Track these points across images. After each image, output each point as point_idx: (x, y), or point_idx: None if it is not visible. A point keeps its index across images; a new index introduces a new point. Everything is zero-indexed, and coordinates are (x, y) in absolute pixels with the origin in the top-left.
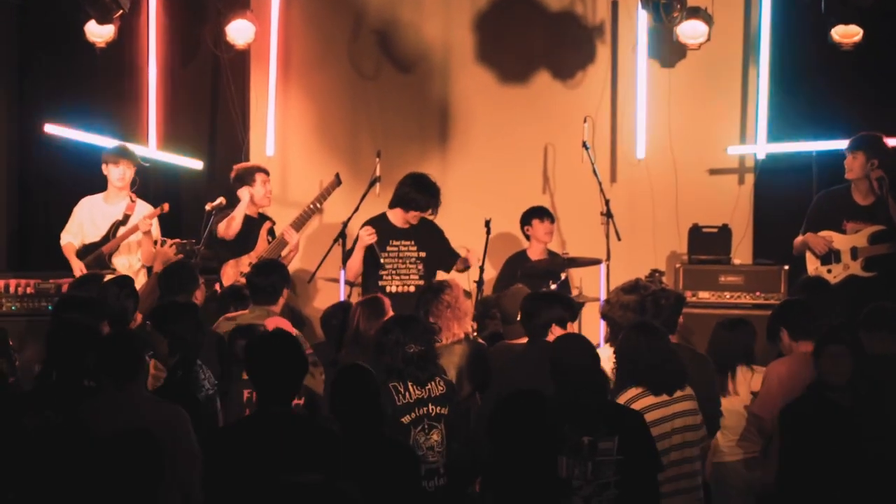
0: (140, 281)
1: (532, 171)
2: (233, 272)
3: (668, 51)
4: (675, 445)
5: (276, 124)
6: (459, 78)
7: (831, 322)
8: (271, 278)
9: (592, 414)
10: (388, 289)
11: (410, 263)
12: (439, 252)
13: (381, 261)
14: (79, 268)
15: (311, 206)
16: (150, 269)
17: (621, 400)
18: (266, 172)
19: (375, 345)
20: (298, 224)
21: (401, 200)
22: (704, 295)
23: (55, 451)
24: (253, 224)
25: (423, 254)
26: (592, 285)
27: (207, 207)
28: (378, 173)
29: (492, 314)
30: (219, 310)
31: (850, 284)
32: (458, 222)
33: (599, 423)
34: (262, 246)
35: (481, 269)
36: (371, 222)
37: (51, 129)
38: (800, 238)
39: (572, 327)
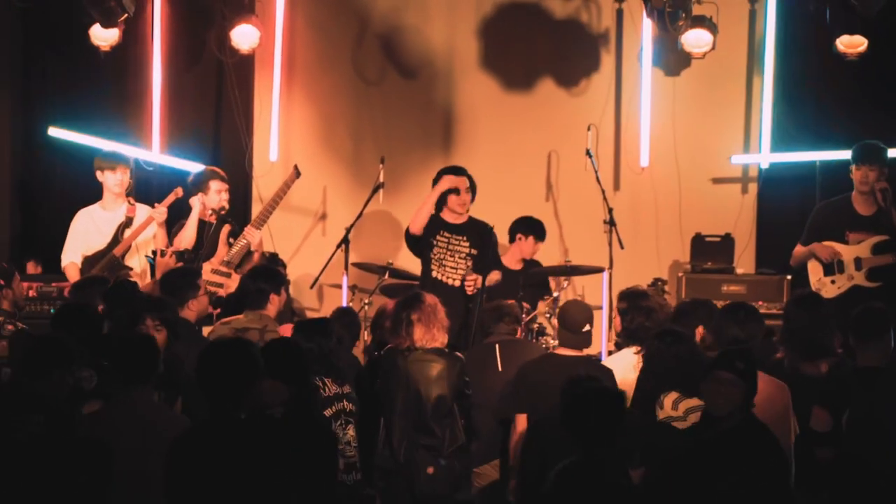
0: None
1: (535, 178)
2: None
3: (673, 59)
4: None
5: (280, 129)
6: (463, 84)
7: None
8: (258, 283)
9: None
10: (433, 274)
11: (460, 258)
12: (486, 255)
13: (430, 241)
14: None
15: (272, 202)
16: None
17: (667, 402)
18: (222, 179)
19: None
20: (259, 222)
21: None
22: None
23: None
24: (213, 229)
25: (474, 251)
26: (595, 293)
27: (209, 213)
28: (382, 179)
29: (505, 320)
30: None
31: (853, 295)
32: None
33: None
34: (222, 251)
35: (484, 277)
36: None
37: (55, 132)
38: (800, 248)
39: None
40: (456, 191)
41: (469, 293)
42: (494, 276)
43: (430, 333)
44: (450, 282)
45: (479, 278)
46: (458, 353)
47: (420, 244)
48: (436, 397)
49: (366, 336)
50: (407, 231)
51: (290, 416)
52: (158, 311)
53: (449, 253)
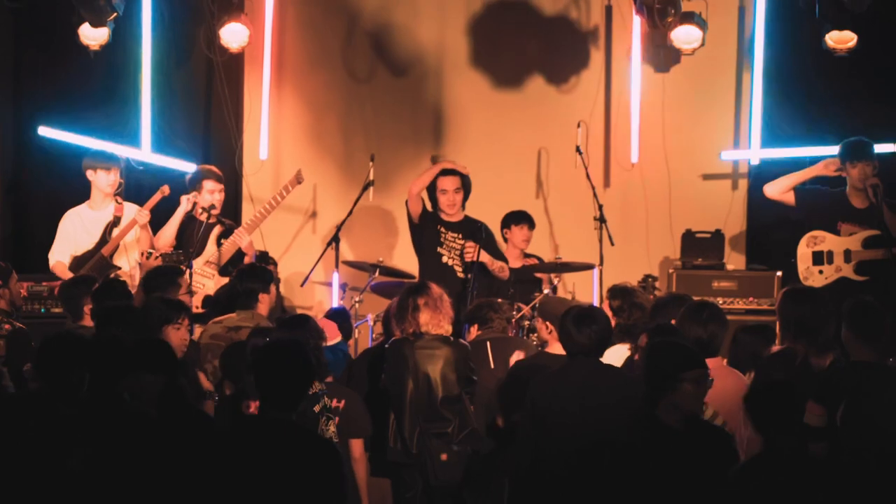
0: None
1: (526, 175)
2: None
3: (662, 56)
4: None
5: (270, 127)
6: (453, 82)
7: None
8: (245, 283)
9: None
10: (443, 259)
11: (456, 255)
12: (486, 249)
13: (439, 228)
14: None
15: (269, 206)
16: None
17: None
18: (216, 179)
19: None
20: (252, 226)
21: (431, 196)
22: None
23: None
24: (203, 229)
25: None
26: (585, 290)
27: (200, 211)
28: (372, 177)
29: (489, 317)
30: None
31: (839, 286)
32: None
33: None
34: (209, 251)
35: (475, 273)
36: (425, 213)
37: (45, 131)
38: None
39: None
40: (444, 191)
41: (467, 259)
42: (500, 264)
43: (437, 319)
44: (455, 269)
45: (478, 248)
46: (463, 341)
47: (421, 226)
48: (444, 384)
49: (356, 334)
50: (407, 203)
51: (166, 409)
52: (188, 311)
53: (445, 249)
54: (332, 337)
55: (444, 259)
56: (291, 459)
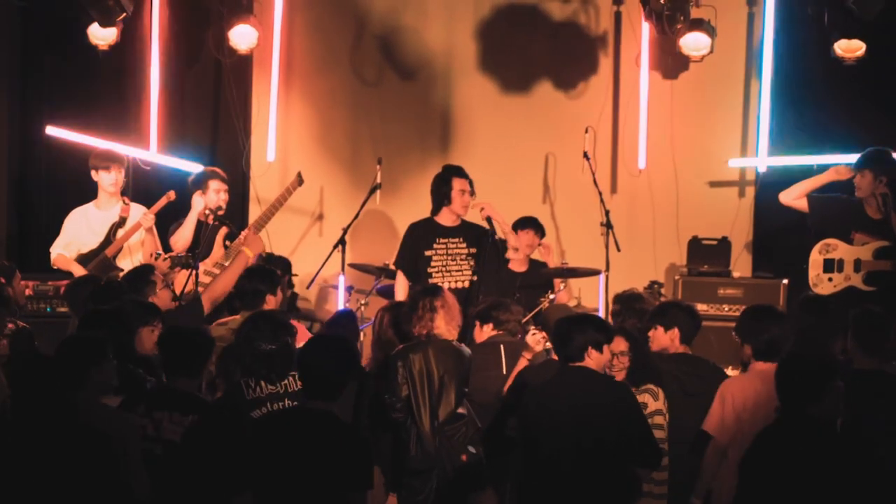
0: None
1: (533, 180)
2: (183, 279)
3: (671, 63)
4: None
5: (278, 129)
6: (461, 86)
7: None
8: (253, 283)
9: None
10: (432, 280)
11: (461, 260)
12: (484, 254)
13: (426, 254)
14: (80, 272)
15: (272, 208)
16: None
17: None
18: (222, 179)
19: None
20: (258, 226)
21: (441, 197)
22: (703, 307)
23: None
24: (209, 230)
25: (473, 249)
26: (591, 296)
27: (206, 213)
28: (379, 180)
29: (503, 318)
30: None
31: (847, 295)
32: None
33: None
34: (217, 253)
35: (480, 276)
36: (416, 224)
37: (52, 131)
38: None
39: (608, 350)
40: (464, 192)
41: (483, 217)
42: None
43: (451, 325)
44: (458, 285)
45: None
46: (465, 348)
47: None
48: (457, 387)
49: (362, 336)
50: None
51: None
52: (161, 315)
53: (450, 258)
54: (302, 338)
55: (433, 280)
56: (332, 447)
